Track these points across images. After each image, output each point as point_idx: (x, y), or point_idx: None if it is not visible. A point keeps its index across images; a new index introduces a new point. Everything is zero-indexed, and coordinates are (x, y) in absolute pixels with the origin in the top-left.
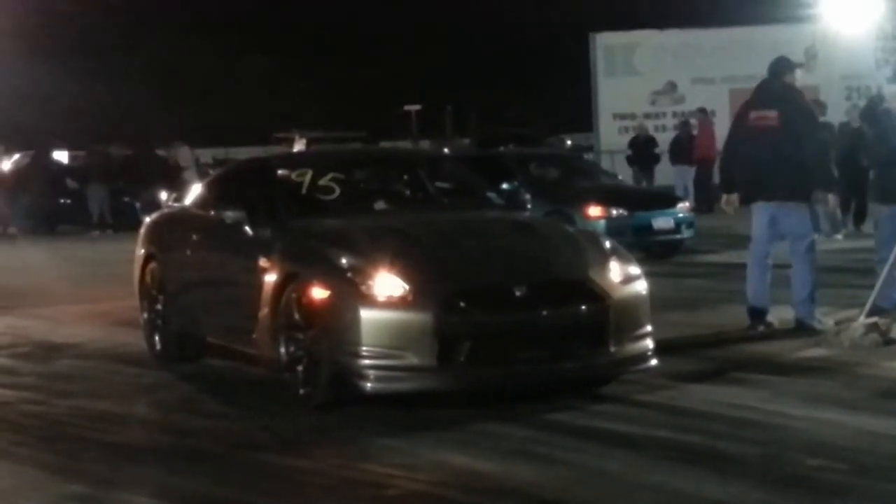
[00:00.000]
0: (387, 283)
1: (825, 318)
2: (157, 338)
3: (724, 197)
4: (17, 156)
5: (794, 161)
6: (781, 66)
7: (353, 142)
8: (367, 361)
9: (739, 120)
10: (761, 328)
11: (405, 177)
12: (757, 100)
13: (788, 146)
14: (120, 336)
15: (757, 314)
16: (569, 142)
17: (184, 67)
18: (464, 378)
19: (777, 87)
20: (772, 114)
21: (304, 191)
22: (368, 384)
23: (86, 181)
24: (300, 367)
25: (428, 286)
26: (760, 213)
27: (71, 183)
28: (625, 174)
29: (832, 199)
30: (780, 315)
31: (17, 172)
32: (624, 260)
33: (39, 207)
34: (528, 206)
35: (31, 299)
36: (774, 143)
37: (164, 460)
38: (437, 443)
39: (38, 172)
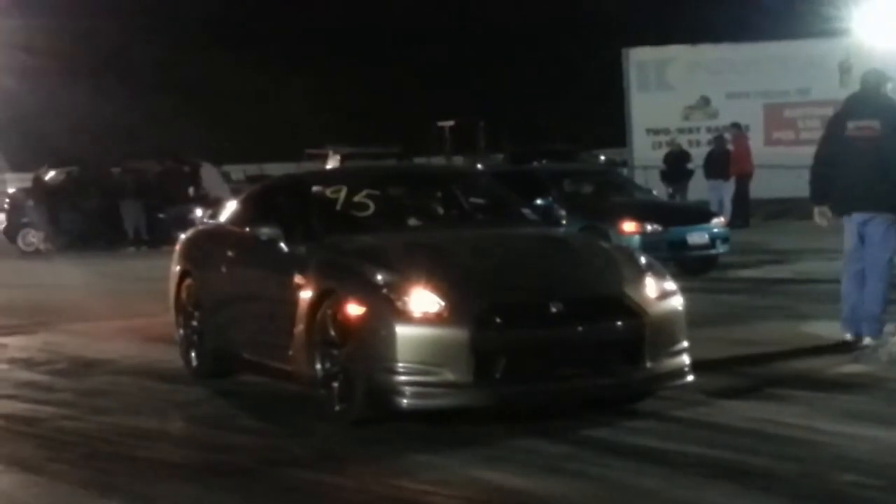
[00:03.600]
0: (422, 300)
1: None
2: (192, 354)
3: (816, 210)
4: (52, 172)
5: (891, 174)
6: (877, 78)
7: (387, 157)
8: (402, 378)
9: (833, 130)
10: (858, 345)
11: (439, 193)
12: (855, 110)
13: (889, 157)
14: (155, 352)
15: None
16: (602, 157)
17: (217, 84)
18: (499, 394)
19: (877, 98)
20: (874, 124)
21: (338, 207)
22: (404, 400)
23: (121, 197)
24: (336, 384)
25: (463, 302)
26: (851, 227)
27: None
28: (659, 189)
29: None
30: (827, 330)
31: (57, 188)
32: (659, 275)
33: (89, 223)
34: (563, 221)
35: (67, 315)
36: (874, 153)
37: (199, 476)
38: (472, 459)
39: (95, 187)
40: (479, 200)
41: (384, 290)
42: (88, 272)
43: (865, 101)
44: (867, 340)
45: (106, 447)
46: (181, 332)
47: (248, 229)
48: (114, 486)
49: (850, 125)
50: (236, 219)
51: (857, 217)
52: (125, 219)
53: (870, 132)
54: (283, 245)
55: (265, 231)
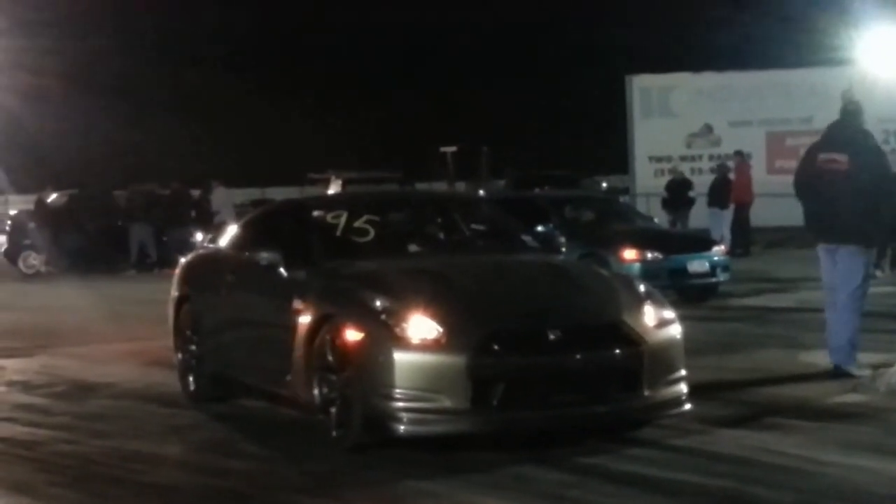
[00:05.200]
0: (421, 326)
1: (863, 366)
2: (191, 378)
3: None
4: (54, 194)
5: (858, 206)
6: (856, 108)
7: (389, 183)
8: (400, 404)
9: (806, 161)
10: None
11: (440, 219)
12: (827, 141)
13: (855, 191)
14: (154, 376)
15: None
16: (604, 184)
17: (222, 108)
18: (497, 421)
19: (848, 130)
20: (841, 157)
21: (338, 233)
22: (401, 426)
23: (130, 220)
24: (333, 409)
25: (462, 329)
26: (826, 257)
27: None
28: (660, 217)
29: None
30: (826, 359)
31: (59, 210)
32: (658, 304)
33: (91, 245)
34: (563, 248)
35: (67, 338)
36: (841, 186)
37: (197, 501)
38: (470, 486)
39: (98, 210)
40: (480, 227)
41: (383, 316)
42: (89, 295)
43: (838, 132)
44: (829, 363)
45: (104, 471)
46: (180, 356)
47: (247, 254)
48: None
49: (821, 157)
50: (236, 243)
51: (828, 247)
52: (132, 241)
53: (837, 165)
54: (282, 270)
55: (265, 256)
